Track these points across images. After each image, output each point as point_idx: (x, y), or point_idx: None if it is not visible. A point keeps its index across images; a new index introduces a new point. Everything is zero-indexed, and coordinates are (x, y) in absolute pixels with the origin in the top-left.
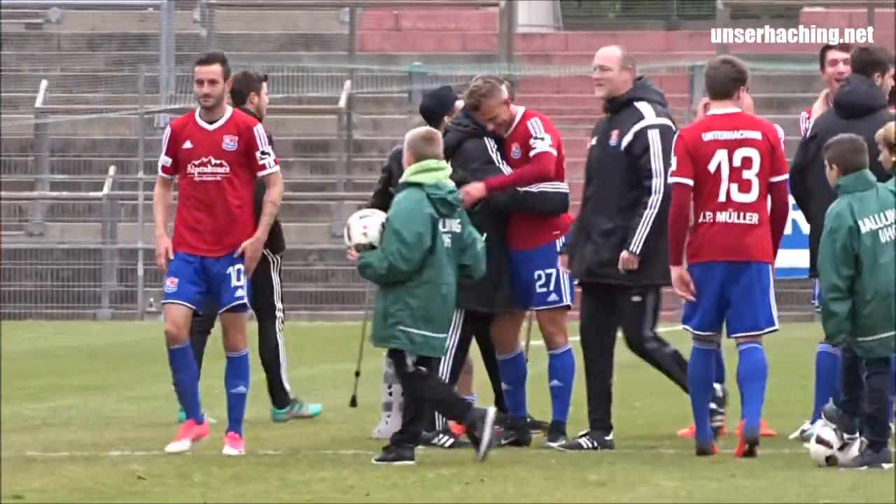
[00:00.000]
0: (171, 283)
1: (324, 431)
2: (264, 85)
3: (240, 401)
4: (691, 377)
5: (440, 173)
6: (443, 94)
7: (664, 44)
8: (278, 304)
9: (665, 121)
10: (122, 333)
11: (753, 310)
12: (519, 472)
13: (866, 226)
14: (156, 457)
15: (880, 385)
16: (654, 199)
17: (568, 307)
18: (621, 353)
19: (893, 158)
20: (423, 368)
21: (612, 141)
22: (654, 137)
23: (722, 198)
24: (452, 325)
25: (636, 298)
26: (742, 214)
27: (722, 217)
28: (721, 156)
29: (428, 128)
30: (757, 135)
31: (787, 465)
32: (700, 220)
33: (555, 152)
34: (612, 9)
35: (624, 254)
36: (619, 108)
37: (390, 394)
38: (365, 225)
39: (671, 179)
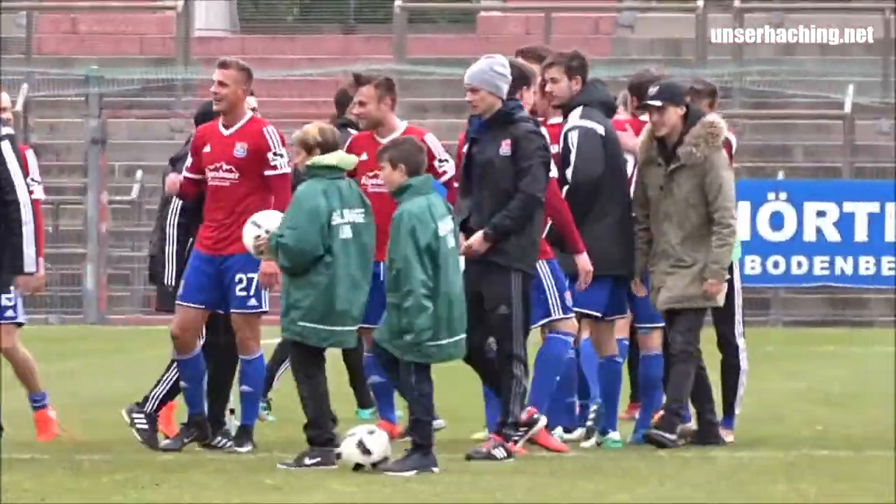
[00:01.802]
0: None
1: None
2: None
3: None
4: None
5: None
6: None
7: (342, 47)
8: None
9: (9, 130)
10: None
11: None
12: (195, 476)
13: (441, 229)
14: None
15: (425, 389)
16: (25, 213)
17: (265, 312)
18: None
19: (308, 162)
20: None
21: None
22: (6, 149)
23: None
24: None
25: None
26: None
27: None
28: None
29: None
30: None
31: (463, 469)
32: None
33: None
34: (289, 12)
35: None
36: None
37: None
38: None
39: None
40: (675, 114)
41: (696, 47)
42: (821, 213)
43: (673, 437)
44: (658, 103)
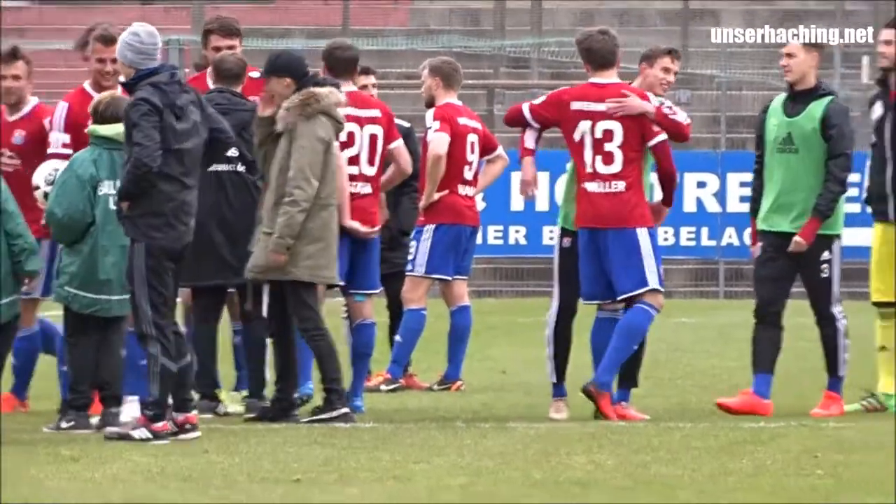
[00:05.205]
0: None
1: None
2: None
3: None
4: (593, 344)
5: None
6: None
7: (140, 18)
8: None
9: None
10: None
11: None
12: None
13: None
14: None
15: None
16: None
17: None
18: None
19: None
20: None
21: None
22: None
23: (589, 168)
24: None
25: None
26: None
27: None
28: (584, 127)
29: None
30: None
31: (260, 441)
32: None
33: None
34: None
35: None
36: None
37: None
38: None
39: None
40: (277, 84)
41: (494, 17)
42: None
43: (334, 413)
44: (257, 75)
